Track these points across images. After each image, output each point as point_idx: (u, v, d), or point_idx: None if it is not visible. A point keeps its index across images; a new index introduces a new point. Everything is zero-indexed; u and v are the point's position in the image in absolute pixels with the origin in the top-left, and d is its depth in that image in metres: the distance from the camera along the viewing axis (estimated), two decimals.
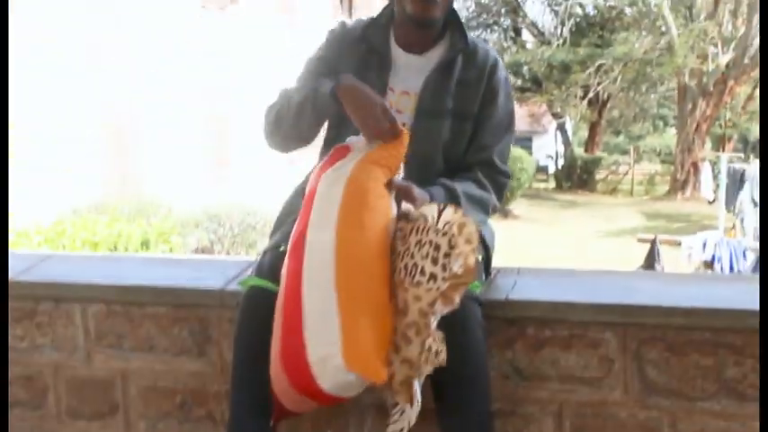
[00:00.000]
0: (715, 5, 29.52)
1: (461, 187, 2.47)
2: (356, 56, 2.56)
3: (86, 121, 14.03)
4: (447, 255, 2.12)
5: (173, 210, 13.86)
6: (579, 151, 38.73)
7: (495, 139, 2.58)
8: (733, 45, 29.60)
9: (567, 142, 39.07)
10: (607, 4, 33.01)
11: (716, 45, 29.08)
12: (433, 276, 2.12)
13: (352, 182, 2.23)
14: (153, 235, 9.89)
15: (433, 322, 2.12)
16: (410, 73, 2.55)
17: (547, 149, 42.85)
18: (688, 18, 30.58)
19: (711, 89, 29.99)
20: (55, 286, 2.89)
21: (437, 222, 2.17)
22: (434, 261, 2.13)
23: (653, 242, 10.26)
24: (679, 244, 10.47)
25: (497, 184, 2.58)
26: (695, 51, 28.89)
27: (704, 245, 10.08)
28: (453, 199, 2.40)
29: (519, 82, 37.31)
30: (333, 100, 2.33)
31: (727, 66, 29.55)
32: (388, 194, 2.27)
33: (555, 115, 38.03)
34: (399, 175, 2.34)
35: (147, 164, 15.25)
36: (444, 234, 2.15)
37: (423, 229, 2.19)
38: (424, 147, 2.47)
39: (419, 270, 2.14)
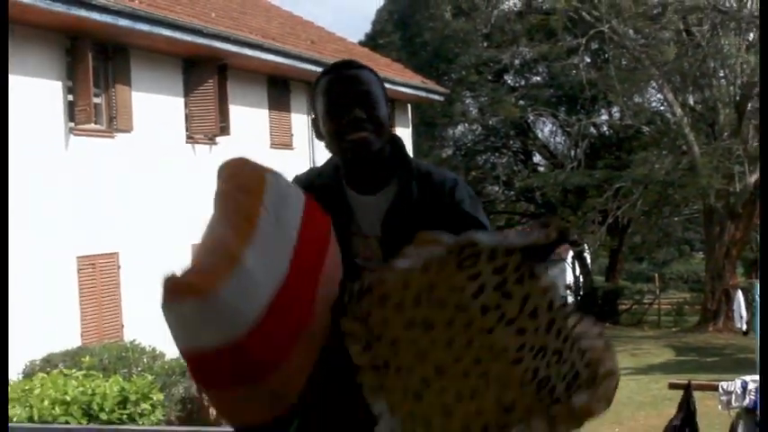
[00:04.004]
0: (739, 122, 29.68)
1: None
2: None
3: (62, 258, 13.91)
4: (587, 383, 2.03)
5: (158, 356, 13.56)
6: (600, 281, 38.64)
7: None
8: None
9: (585, 271, 39.02)
10: (623, 123, 33.22)
11: (742, 164, 29.20)
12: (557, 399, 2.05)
13: None
14: (131, 392, 9.68)
15: None
16: (366, 215, 2.51)
17: (564, 280, 42.76)
18: (710, 136, 30.81)
19: (740, 210, 30.04)
20: None
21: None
22: (569, 386, 2.04)
23: (686, 389, 9.95)
24: (716, 389, 10.14)
25: None
26: (720, 171, 29.02)
27: (744, 389, 9.78)
28: None
29: (531, 208, 37.49)
30: None
31: (755, 185, 29.65)
32: None
33: (572, 243, 38.06)
34: None
35: (130, 303, 15.03)
36: (587, 365, 2.06)
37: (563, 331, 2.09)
38: None
39: (548, 389, 2.05)
